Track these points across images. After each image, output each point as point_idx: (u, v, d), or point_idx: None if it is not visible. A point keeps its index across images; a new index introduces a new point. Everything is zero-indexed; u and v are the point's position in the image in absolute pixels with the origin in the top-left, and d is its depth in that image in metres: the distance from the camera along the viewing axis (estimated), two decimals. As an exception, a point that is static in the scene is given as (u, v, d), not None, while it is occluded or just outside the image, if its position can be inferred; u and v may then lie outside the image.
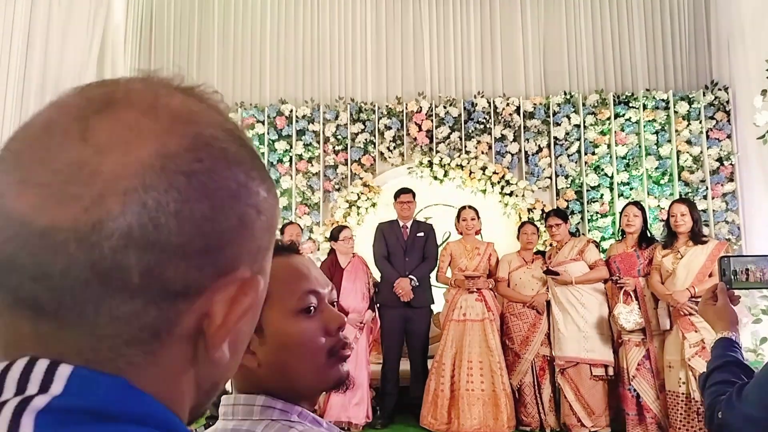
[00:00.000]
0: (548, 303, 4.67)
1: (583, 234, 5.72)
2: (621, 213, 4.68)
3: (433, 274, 4.97)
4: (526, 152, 6.08)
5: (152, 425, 0.34)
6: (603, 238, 5.77)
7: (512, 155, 6.07)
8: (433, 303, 5.00)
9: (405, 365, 4.91)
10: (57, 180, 0.34)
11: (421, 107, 6.16)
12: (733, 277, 1.53)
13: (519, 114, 6.10)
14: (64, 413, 0.32)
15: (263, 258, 0.42)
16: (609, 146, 5.99)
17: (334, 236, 4.90)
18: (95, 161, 0.34)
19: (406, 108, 6.19)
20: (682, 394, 4.03)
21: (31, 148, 0.36)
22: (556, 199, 5.96)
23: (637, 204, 4.66)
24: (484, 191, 5.97)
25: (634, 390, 4.30)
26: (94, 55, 5.09)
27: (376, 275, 5.01)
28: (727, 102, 5.83)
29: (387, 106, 6.22)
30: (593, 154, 6.00)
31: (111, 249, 0.34)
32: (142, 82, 0.39)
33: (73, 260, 0.33)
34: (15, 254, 0.34)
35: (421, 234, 4.99)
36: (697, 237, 4.15)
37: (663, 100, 5.97)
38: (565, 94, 6.10)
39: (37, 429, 0.31)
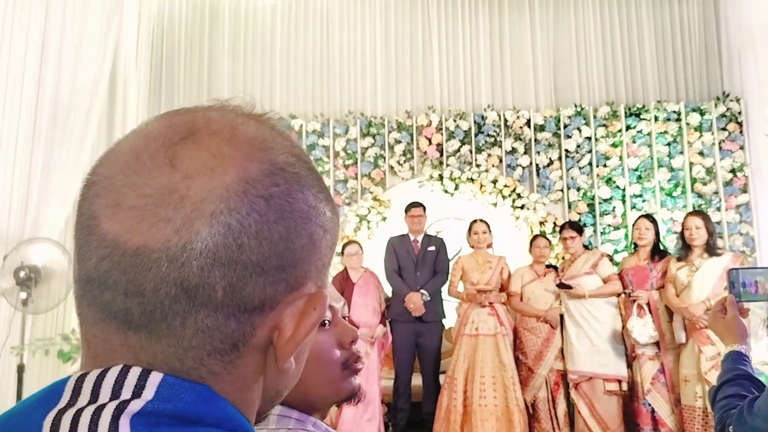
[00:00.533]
0: (561, 317, 4.62)
1: (596, 247, 5.68)
2: (633, 226, 4.65)
3: (444, 288, 4.94)
4: (537, 165, 6.06)
5: (228, 429, 0.37)
6: (616, 251, 5.72)
7: (523, 168, 6.05)
8: (445, 317, 4.97)
9: (417, 380, 4.87)
10: (149, 203, 0.37)
11: (431, 121, 6.17)
12: (742, 289, 1.52)
13: (529, 127, 6.09)
14: (156, 417, 0.35)
15: (326, 273, 0.45)
16: (621, 158, 5.96)
17: (342, 251, 4.91)
18: (184, 186, 0.37)
19: (416, 122, 6.20)
20: (699, 408, 3.97)
21: (121, 173, 0.39)
22: (568, 212, 5.92)
23: (648, 216, 4.63)
24: (495, 204, 5.95)
25: (649, 404, 4.25)
26: (106, 72, 5.15)
27: (388, 290, 4.99)
28: (739, 113, 5.79)
29: (397, 120, 6.23)
30: (605, 166, 5.97)
31: (199, 267, 0.37)
32: (218, 110, 0.42)
33: (164, 278, 0.37)
34: (109, 272, 0.37)
35: (432, 248, 4.97)
36: (712, 250, 4.11)
37: (675, 112, 5.94)
38: (576, 106, 6.09)
39: (132, 430, 0.34)
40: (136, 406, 0.35)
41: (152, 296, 0.37)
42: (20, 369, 3.62)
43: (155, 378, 0.37)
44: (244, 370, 0.40)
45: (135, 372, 0.37)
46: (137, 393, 0.36)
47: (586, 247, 4.78)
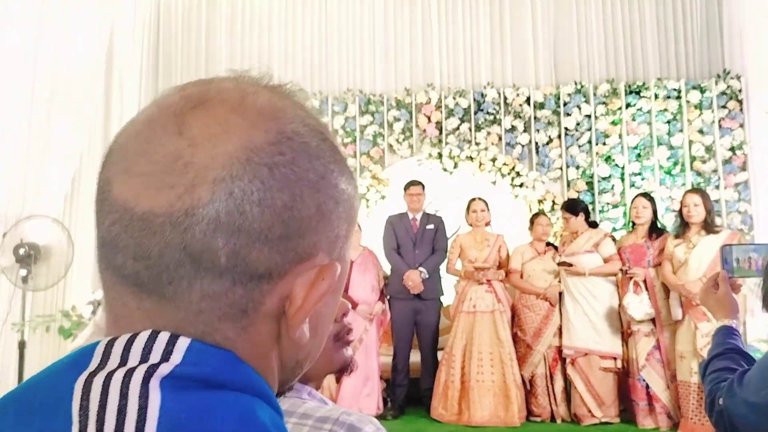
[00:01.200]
0: (561, 294, 4.65)
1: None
2: (630, 204, 4.66)
3: (442, 266, 4.96)
4: (536, 143, 6.04)
5: (253, 394, 0.38)
6: (614, 229, 5.73)
7: (522, 146, 6.04)
8: (443, 295, 5.00)
9: (415, 357, 4.92)
10: (156, 170, 0.38)
11: (430, 98, 6.13)
12: (735, 265, 1.53)
13: (529, 104, 6.06)
14: (184, 380, 0.36)
15: (342, 246, 0.44)
16: (620, 136, 5.95)
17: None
18: (189, 153, 0.38)
19: (415, 99, 6.17)
20: (695, 383, 4.01)
21: (134, 141, 0.40)
22: (567, 190, 5.92)
23: (646, 195, 4.65)
24: (494, 182, 5.95)
25: (644, 380, 4.30)
26: (103, 50, 5.12)
27: (387, 268, 5.01)
28: (740, 91, 5.76)
29: (396, 97, 6.20)
30: (604, 144, 5.96)
31: (201, 232, 0.37)
32: (233, 81, 0.43)
33: (169, 242, 0.38)
34: (119, 236, 0.39)
35: (431, 226, 4.98)
36: (710, 227, 4.13)
37: (675, 90, 5.91)
38: (576, 83, 6.06)
39: (162, 392, 0.35)
40: (165, 369, 0.36)
41: (158, 260, 0.38)
42: (21, 345, 3.66)
43: (183, 343, 0.37)
44: (258, 337, 0.41)
45: (163, 337, 0.38)
46: (165, 357, 0.37)
47: (592, 225, 4.79)
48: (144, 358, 0.37)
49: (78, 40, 4.76)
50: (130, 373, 0.36)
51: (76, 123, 4.72)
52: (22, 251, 3.55)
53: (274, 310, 0.41)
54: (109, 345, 0.38)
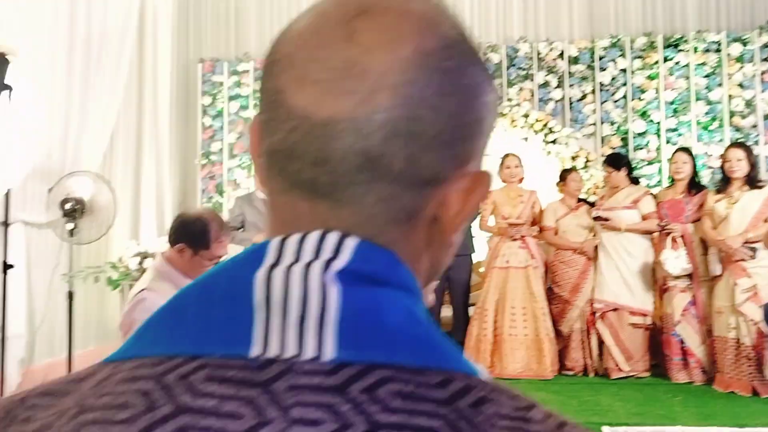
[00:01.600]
0: (595, 248, 4.65)
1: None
2: (670, 159, 4.60)
3: (475, 223, 4.97)
4: (570, 99, 5.94)
5: (411, 293, 0.39)
6: (648, 186, 5.66)
7: (555, 102, 5.94)
8: (474, 252, 5.02)
9: (446, 312, 4.98)
10: (333, 77, 0.39)
11: (461, 53, 6.03)
12: None
13: (563, 59, 5.94)
14: (354, 275, 0.37)
15: (483, 155, 0.45)
16: (657, 91, 5.81)
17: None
18: (365, 59, 0.38)
19: (447, 55, 6.06)
20: (732, 339, 4.01)
21: (302, 50, 0.40)
22: (601, 147, 5.84)
23: (686, 150, 4.58)
24: (526, 139, 5.89)
25: (678, 335, 4.31)
26: (135, 9, 5.15)
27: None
28: (783, 43, 5.57)
29: (427, 53, 6.10)
30: (640, 99, 5.83)
31: (381, 138, 0.38)
32: None
33: (350, 147, 0.38)
34: (297, 143, 0.40)
35: (463, 182, 4.97)
36: (753, 182, 4.06)
37: (715, 42, 5.73)
38: (612, 37, 5.90)
39: (339, 284, 0.37)
40: (338, 264, 0.37)
41: (338, 165, 0.39)
42: (70, 295, 3.79)
43: (351, 242, 0.39)
44: (416, 240, 0.42)
45: (333, 237, 0.39)
46: (335, 255, 0.38)
47: (634, 181, 4.74)
48: (316, 255, 0.38)
49: (111, 1, 4.79)
50: (307, 266, 0.37)
51: (111, 82, 4.77)
52: (68, 206, 3.63)
53: (431, 216, 0.42)
54: (281, 243, 0.39)
